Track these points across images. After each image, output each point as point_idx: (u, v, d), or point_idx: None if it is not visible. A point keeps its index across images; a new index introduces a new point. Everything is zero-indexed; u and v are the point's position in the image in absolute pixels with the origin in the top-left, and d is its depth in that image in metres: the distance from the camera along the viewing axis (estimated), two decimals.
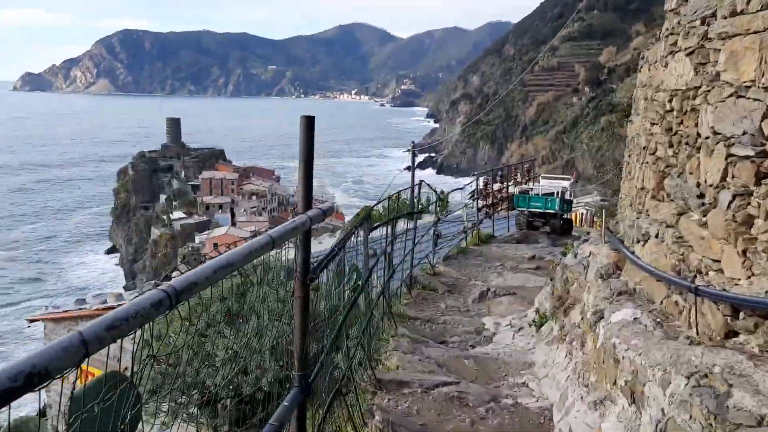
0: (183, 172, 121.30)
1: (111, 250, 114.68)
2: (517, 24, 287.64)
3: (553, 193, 17.38)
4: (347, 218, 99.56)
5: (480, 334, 7.54)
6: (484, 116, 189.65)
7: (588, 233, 9.49)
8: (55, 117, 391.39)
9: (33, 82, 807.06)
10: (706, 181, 4.04)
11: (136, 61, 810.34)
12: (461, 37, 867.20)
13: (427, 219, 15.62)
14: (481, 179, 17.65)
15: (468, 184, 16.46)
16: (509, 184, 18.80)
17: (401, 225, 13.21)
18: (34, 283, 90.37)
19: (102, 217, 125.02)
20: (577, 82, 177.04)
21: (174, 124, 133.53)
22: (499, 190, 17.48)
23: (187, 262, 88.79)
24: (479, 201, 16.53)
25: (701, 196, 4.11)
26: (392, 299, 8.71)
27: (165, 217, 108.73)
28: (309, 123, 3.59)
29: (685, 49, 4.40)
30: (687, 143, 4.34)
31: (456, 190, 17.64)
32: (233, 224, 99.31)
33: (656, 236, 4.75)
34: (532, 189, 18.04)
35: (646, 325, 4.25)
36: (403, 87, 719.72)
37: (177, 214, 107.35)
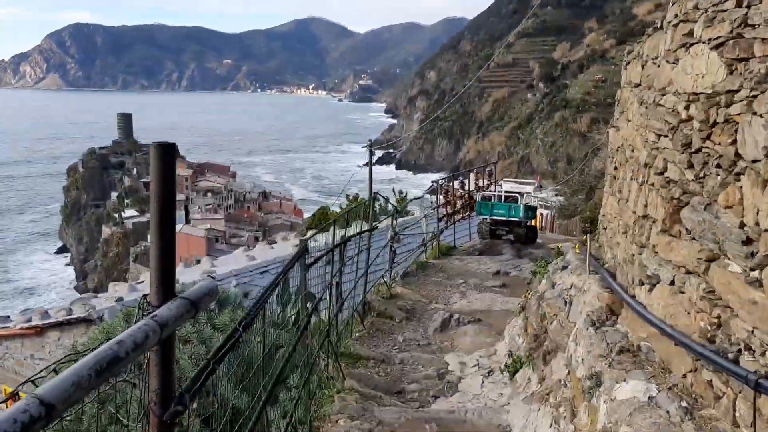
0: (135, 169, 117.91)
1: (61, 250, 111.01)
2: (472, 20, 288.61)
3: (516, 198, 16.11)
4: (306, 215, 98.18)
5: (443, 380, 6.40)
6: (441, 113, 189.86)
7: (561, 253, 8.31)
8: (0, 113, 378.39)
9: None
10: (757, 223, 2.88)
11: (88, 55, 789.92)
12: (418, 33, 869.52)
13: (385, 224, 14.55)
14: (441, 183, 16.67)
15: (427, 190, 15.89)
16: (470, 190, 17.49)
17: (355, 233, 12.07)
18: None
19: (52, 216, 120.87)
20: (531, 79, 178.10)
21: (125, 120, 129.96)
22: (461, 197, 16.06)
23: (139, 262, 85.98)
24: (439, 209, 15.35)
25: (748, 242, 2.99)
26: (341, 333, 7.55)
27: (117, 215, 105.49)
28: (164, 151, 2.15)
29: (711, 40, 3.31)
30: (719, 166, 3.22)
31: (415, 199, 16.65)
32: (187, 222, 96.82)
33: (671, 283, 3.65)
34: (494, 195, 16.64)
35: (668, 411, 3.11)
36: (360, 82, 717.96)
37: (129, 212, 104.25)
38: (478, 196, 16.18)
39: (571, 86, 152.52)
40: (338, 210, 27.89)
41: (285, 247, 14.50)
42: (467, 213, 16.43)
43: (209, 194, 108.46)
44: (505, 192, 16.66)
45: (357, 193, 27.46)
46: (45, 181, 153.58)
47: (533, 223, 17.62)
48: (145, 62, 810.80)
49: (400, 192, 28.18)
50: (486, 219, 16.16)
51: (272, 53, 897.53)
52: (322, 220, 25.33)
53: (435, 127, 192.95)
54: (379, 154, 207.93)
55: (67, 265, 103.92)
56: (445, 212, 15.04)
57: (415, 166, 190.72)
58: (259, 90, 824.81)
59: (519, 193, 16.67)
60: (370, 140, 25.63)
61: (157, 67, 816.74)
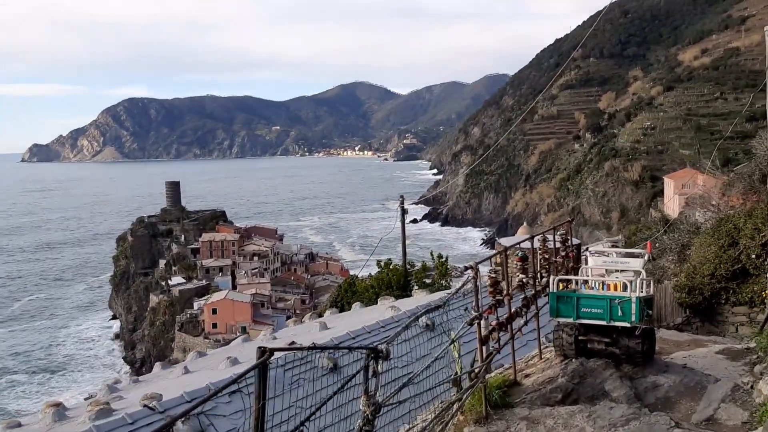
0: (183, 236, 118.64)
1: (112, 319, 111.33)
2: (514, 75, 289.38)
3: (623, 285, 8.64)
4: (352, 272, 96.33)
5: None
6: (487, 166, 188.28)
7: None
8: (57, 186, 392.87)
9: (40, 153, 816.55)
10: None
11: (142, 128, 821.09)
12: (460, 91, 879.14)
13: (418, 301, 11.82)
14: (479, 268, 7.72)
15: (466, 281, 5.93)
16: (538, 272, 9.20)
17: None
18: (21, 356, 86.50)
19: (103, 286, 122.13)
20: (577, 129, 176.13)
21: (173, 188, 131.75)
22: (520, 285, 8.48)
23: (184, 331, 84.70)
24: (486, 320, 7.40)
25: None
26: None
27: (164, 282, 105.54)
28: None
29: None
30: None
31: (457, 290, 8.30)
32: (234, 287, 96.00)
33: None
34: (581, 279, 9.18)
35: None
36: (405, 141, 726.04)
37: (176, 279, 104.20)
38: (551, 282, 8.73)
39: (619, 135, 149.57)
40: (370, 276, 25.89)
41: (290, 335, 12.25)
42: (527, 307, 8.62)
43: (256, 258, 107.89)
44: (598, 272, 9.37)
45: (390, 259, 24.87)
46: (97, 251, 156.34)
47: (652, 326, 9.77)
48: (197, 132, 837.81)
49: (439, 256, 24.74)
50: (568, 323, 8.75)
51: (319, 118, 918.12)
52: (349, 291, 23.33)
53: (481, 181, 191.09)
54: (425, 210, 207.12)
55: (116, 336, 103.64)
56: (495, 322, 7.32)
57: (462, 221, 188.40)
58: (307, 154, 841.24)
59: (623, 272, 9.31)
60: (401, 196, 23.31)
61: (209, 136, 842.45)
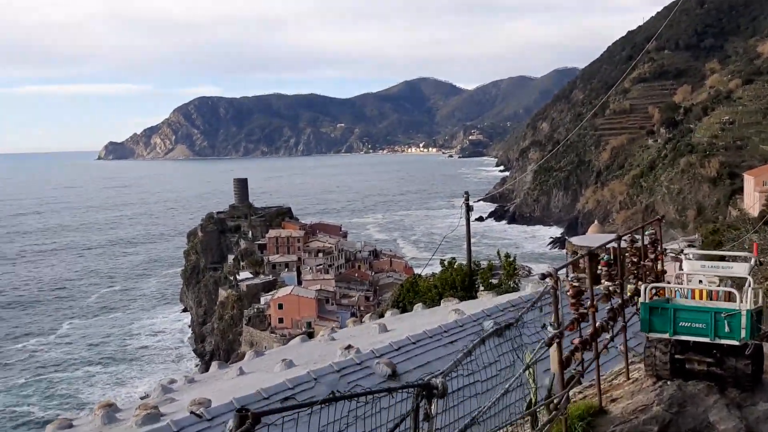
0: (250, 232, 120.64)
1: (183, 312, 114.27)
2: (584, 69, 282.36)
3: (728, 294, 7.51)
4: (416, 270, 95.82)
5: None
6: (556, 162, 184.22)
7: None
8: (132, 183, 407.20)
9: (116, 150, 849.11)
10: None
11: (212, 126, 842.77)
12: (527, 86, 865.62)
13: (484, 303, 11.00)
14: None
15: (544, 291, 4.99)
16: (624, 278, 8.13)
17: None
18: (96, 347, 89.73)
19: (174, 279, 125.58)
20: (651, 124, 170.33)
21: (241, 185, 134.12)
22: (606, 294, 7.32)
23: (252, 325, 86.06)
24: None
25: None
26: None
27: (232, 277, 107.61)
28: None
29: None
30: None
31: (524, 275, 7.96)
32: (299, 283, 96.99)
33: None
34: (679, 288, 7.79)
35: None
36: (470, 138, 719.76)
37: (244, 274, 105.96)
38: (642, 291, 7.37)
39: (695, 130, 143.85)
40: (433, 276, 25.04)
41: (352, 335, 11.68)
42: (613, 321, 7.42)
43: (320, 254, 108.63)
44: (694, 277, 7.89)
45: (453, 258, 24.00)
46: (169, 246, 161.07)
47: (762, 343, 8.10)
48: (264, 130, 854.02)
49: (507, 255, 23.52)
50: (662, 339, 7.34)
51: (383, 115, 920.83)
52: (411, 291, 22.63)
53: (550, 177, 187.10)
54: (491, 208, 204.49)
55: (189, 327, 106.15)
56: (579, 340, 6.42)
57: (530, 219, 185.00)
58: (371, 151, 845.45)
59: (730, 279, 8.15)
60: (466, 193, 22.38)
61: (276, 134, 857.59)
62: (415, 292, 22.43)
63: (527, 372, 5.24)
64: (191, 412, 6.04)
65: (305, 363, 8.39)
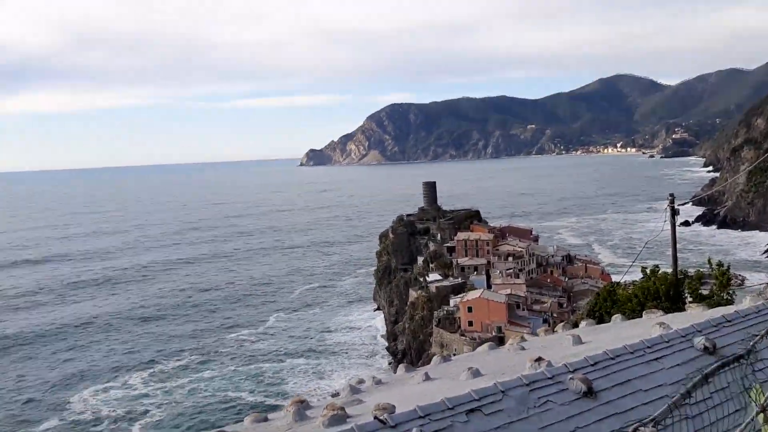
0: (439, 234, 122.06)
1: (376, 311, 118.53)
2: None
3: None
4: (614, 277, 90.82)
5: None
6: None
7: None
8: (328, 187, 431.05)
9: (315, 157, 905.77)
10: None
11: (402, 131, 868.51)
12: (740, 79, 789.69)
13: (693, 318, 9.70)
14: None
15: None
16: None
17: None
18: (298, 339, 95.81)
19: (367, 279, 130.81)
20: None
21: (430, 188, 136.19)
22: None
23: (441, 326, 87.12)
24: None
25: None
26: None
27: (422, 279, 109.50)
28: None
29: None
30: None
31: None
32: (488, 287, 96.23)
33: None
34: None
35: None
36: (674, 136, 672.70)
37: (433, 276, 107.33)
38: None
39: None
40: (633, 284, 23.07)
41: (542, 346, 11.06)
42: None
43: (510, 258, 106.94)
44: None
45: (657, 266, 22.00)
46: (362, 246, 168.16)
47: None
48: (452, 134, 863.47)
49: (719, 264, 21.10)
50: None
51: (576, 114, 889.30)
52: (608, 300, 21.00)
53: (767, 179, 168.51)
54: (698, 211, 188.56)
55: (382, 326, 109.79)
56: None
57: (743, 224, 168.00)
58: (563, 152, 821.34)
59: None
60: (671, 195, 20.43)
61: (464, 138, 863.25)
62: (612, 302, 20.90)
63: (761, 417, 4.26)
64: (375, 417, 5.96)
65: (492, 373, 8.02)
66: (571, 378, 6.87)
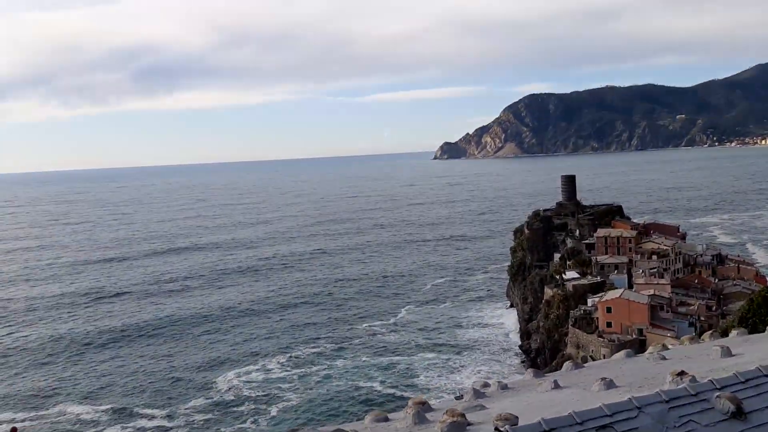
0: (577, 230, 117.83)
1: (509, 308, 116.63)
2: None
3: None
4: None
5: None
6: None
7: None
8: (463, 181, 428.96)
9: (450, 150, 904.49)
10: None
11: (541, 123, 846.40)
12: None
13: None
14: None
15: None
16: None
17: None
18: (429, 333, 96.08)
19: (501, 275, 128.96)
20: None
21: (569, 182, 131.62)
22: None
23: (578, 326, 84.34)
24: None
25: None
26: None
27: (558, 276, 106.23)
28: None
29: None
30: None
31: None
32: (630, 286, 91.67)
33: None
34: None
35: None
36: None
37: (570, 274, 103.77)
38: None
39: None
40: None
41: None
42: None
43: (654, 257, 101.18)
44: None
45: None
46: (496, 242, 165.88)
47: None
48: (594, 125, 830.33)
49: None
50: None
51: (731, 103, 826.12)
52: (763, 307, 18.94)
53: None
54: None
55: (515, 324, 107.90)
56: None
57: None
58: (716, 143, 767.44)
59: None
60: None
61: (607, 129, 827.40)
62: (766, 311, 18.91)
63: None
64: (496, 428, 5.65)
65: (628, 385, 7.42)
66: (717, 396, 6.18)
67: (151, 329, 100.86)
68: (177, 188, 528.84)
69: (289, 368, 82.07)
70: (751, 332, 13.12)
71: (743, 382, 6.49)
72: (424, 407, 7.87)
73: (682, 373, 6.66)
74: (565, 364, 10.22)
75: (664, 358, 9.21)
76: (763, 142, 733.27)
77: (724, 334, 12.31)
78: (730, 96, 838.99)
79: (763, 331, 11.12)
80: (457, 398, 8.89)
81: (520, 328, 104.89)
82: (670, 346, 10.71)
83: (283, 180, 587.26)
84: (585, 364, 9.99)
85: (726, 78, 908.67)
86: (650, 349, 10.36)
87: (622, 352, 10.20)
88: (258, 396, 73.58)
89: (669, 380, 6.64)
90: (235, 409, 70.98)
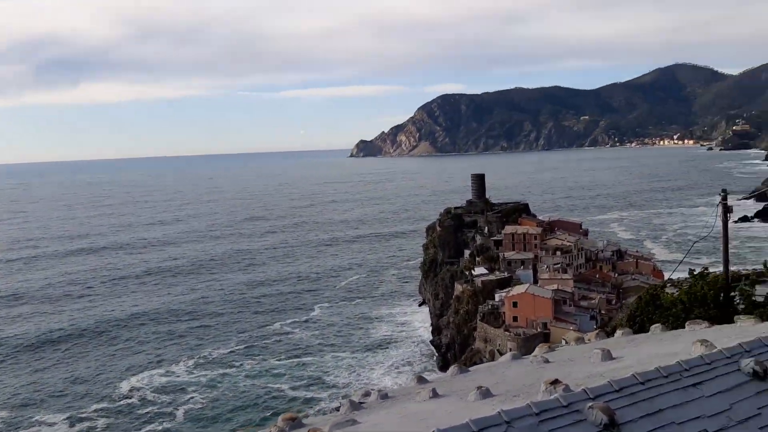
0: (486, 228, 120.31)
1: (421, 305, 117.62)
2: None
3: None
4: (670, 274, 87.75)
5: None
6: None
7: None
8: (379, 179, 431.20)
9: (365, 148, 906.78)
10: None
11: (453, 123, 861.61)
12: None
13: (742, 333, 8.44)
14: None
15: None
16: None
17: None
18: (340, 330, 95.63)
19: (414, 272, 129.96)
20: None
21: (479, 180, 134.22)
22: None
23: (486, 321, 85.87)
24: None
25: None
26: None
27: (467, 272, 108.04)
28: None
29: None
30: None
31: None
32: (535, 282, 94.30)
33: None
34: None
35: None
36: (734, 128, 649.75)
37: (479, 270, 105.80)
38: None
39: None
40: (680, 288, 21.37)
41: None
42: None
43: (558, 253, 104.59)
44: None
45: (706, 268, 20.39)
46: (409, 239, 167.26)
47: None
48: (504, 125, 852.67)
49: (765, 264, 19.70)
50: None
51: (632, 105, 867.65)
52: (651, 305, 19.46)
53: None
54: (758, 206, 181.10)
55: (425, 319, 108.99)
56: None
57: None
58: (618, 144, 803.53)
59: None
60: (723, 191, 18.93)
61: (516, 129, 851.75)
62: (655, 307, 19.39)
63: None
64: None
65: (504, 393, 7.09)
66: (590, 407, 5.91)
67: (50, 335, 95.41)
68: (81, 185, 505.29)
69: (195, 371, 79.64)
70: (638, 330, 13.25)
71: (617, 391, 6.25)
72: (295, 422, 7.30)
73: (555, 382, 6.36)
74: (450, 369, 9.91)
75: (547, 362, 9.00)
76: (661, 143, 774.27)
77: (613, 332, 12.35)
78: (631, 98, 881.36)
79: (648, 330, 11.16)
80: (334, 410, 8.34)
81: (432, 323, 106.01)
82: (556, 349, 10.57)
83: (196, 177, 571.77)
84: (470, 369, 9.67)
85: (627, 81, 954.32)
86: (536, 350, 10.19)
87: (508, 355, 9.97)
88: (163, 400, 71.05)
89: (543, 390, 6.33)
90: (139, 412, 68.33)
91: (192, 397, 71.47)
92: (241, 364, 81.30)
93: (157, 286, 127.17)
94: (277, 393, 71.70)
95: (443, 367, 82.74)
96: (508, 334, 77.77)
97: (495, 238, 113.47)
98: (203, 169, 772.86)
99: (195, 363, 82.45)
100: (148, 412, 68.21)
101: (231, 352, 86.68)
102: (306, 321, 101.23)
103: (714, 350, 7.12)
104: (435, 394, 7.78)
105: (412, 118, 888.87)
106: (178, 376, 78.06)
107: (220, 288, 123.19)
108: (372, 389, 8.93)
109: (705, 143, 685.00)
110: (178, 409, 68.44)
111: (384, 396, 8.46)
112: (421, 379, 9.33)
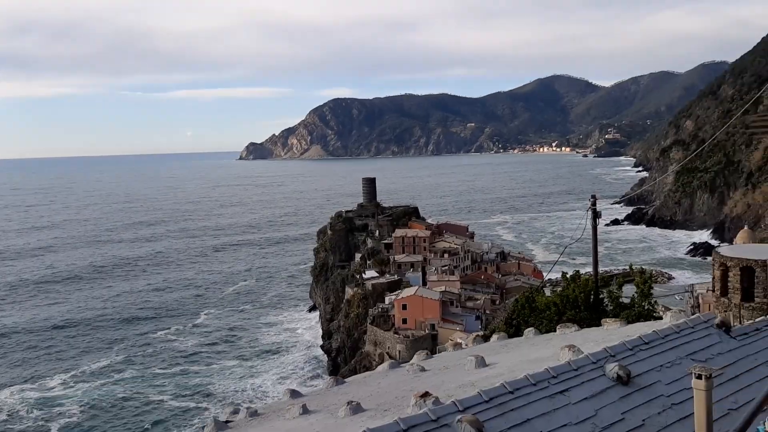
0: (377, 231, 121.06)
1: (311, 310, 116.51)
2: (734, 63, 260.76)
3: None
4: (546, 275, 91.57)
5: None
6: (701, 163, 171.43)
7: None
8: (269, 182, 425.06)
9: (256, 151, 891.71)
10: None
11: (345, 127, 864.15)
12: (670, 82, 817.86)
13: (608, 336, 8.63)
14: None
15: None
16: None
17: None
18: (224, 343, 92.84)
19: (304, 276, 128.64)
20: None
21: (370, 184, 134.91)
22: None
23: (375, 324, 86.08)
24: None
25: None
26: None
27: (358, 276, 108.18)
28: None
29: None
30: None
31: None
32: (424, 284, 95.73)
33: None
34: None
35: None
36: (607, 137, 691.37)
37: (370, 273, 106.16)
38: None
39: None
40: (553, 291, 22.30)
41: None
42: None
43: (446, 255, 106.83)
44: None
45: (577, 271, 21.33)
46: (300, 243, 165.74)
47: None
48: (395, 130, 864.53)
49: (641, 272, 20.40)
50: None
51: (514, 114, 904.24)
52: (527, 308, 20.14)
53: (694, 179, 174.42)
54: (628, 210, 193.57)
55: (316, 323, 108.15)
56: None
57: (671, 223, 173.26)
58: (501, 150, 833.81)
59: None
60: (592, 196, 19.85)
61: (407, 134, 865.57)
62: (531, 309, 20.03)
63: None
64: None
65: (375, 408, 6.85)
66: (459, 420, 5.76)
67: None
68: None
69: (72, 385, 74.91)
70: (514, 334, 13.45)
71: (487, 402, 6.15)
72: None
73: (425, 395, 6.18)
74: (327, 379, 9.58)
75: (423, 370, 8.87)
76: (541, 149, 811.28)
77: (489, 336, 12.46)
78: (514, 107, 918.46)
79: (523, 333, 11.31)
80: (200, 429, 7.81)
81: (322, 328, 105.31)
82: (432, 357, 10.48)
83: (72, 180, 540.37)
84: (346, 380, 9.39)
85: (510, 90, 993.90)
86: (414, 357, 10.05)
87: (386, 364, 9.77)
88: (37, 415, 66.34)
89: (412, 404, 6.12)
90: (11, 428, 63.39)
91: (68, 411, 67.21)
92: (121, 376, 77.28)
93: (31, 296, 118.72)
94: (157, 404, 68.57)
95: (333, 371, 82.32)
96: (397, 336, 78.38)
97: (386, 241, 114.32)
98: (84, 171, 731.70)
99: (72, 376, 77.56)
100: (22, 429, 63.55)
101: (110, 363, 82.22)
102: (192, 328, 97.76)
103: (581, 356, 7.21)
104: (305, 411, 7.44)
105: (303, 121, 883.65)
106: (54, 390, 73.18)
107: (99, 296, 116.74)
108: (241, 406, 8.46)
109: (580, 150, 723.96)
110: (52, 423, 64.18)
111: (253, 413, 8.02)
112: (294, 393, 8.94)
